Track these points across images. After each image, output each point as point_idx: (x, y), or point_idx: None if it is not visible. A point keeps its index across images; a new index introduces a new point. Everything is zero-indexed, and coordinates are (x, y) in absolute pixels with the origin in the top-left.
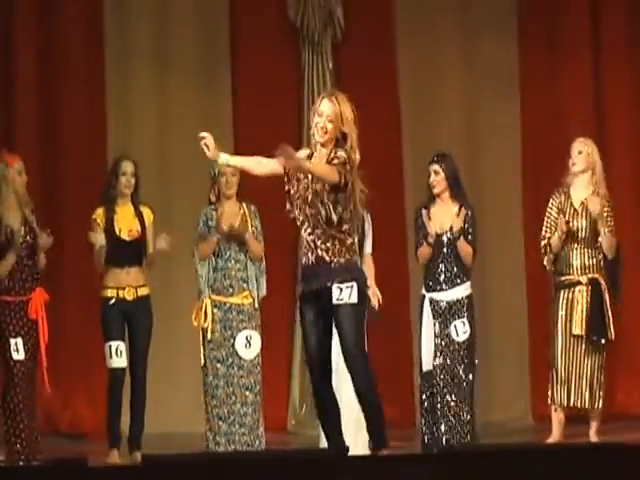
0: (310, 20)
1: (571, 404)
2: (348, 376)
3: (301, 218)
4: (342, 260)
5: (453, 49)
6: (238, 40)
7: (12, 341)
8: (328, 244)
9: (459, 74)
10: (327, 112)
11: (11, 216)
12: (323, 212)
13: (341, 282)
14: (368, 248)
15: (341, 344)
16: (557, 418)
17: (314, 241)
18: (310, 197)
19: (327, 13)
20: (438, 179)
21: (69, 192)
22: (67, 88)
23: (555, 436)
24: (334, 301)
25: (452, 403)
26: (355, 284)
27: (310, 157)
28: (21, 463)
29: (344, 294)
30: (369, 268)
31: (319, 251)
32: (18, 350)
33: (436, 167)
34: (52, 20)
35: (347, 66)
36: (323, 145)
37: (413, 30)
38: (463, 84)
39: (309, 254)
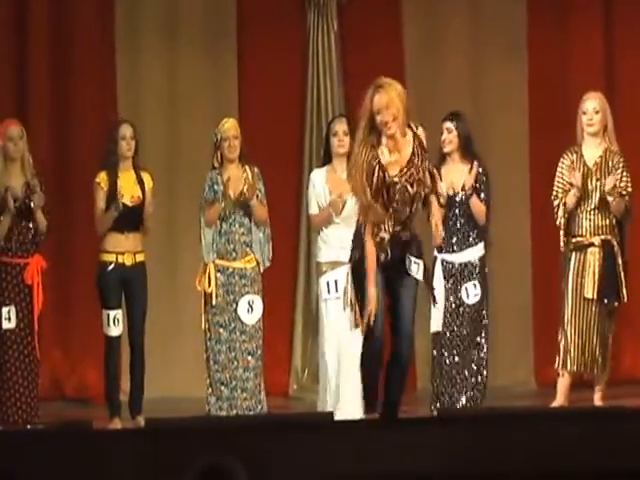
0: None
1: (580, 369)
2: (352, 341)
3: (394, 208)
4: (414, 232)
5: (461, 9)
6: (244, 1)
7: (4, 310)
8: (412, 220)
9: (466, 34)
10: (383, 105)
11: (11, 179)
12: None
13: (414, 255)
14: None
15: (399, 315)
16: (563, 383)
17: (402, 228)
18: (418, 174)
19: None
20: (450, 137)
21: (79, 157)
22: (77, 55)
23: (560, 400)
24: (411, 272)
25: (462, 366)
26: (422, 262)
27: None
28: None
29: (413, 268)
30: None
31: (408, 232)
32: (10, 319)
33: (449, 125)
34: None
35: (352, 28)
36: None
37: None
38: (470, 43)
39: (394, 248)
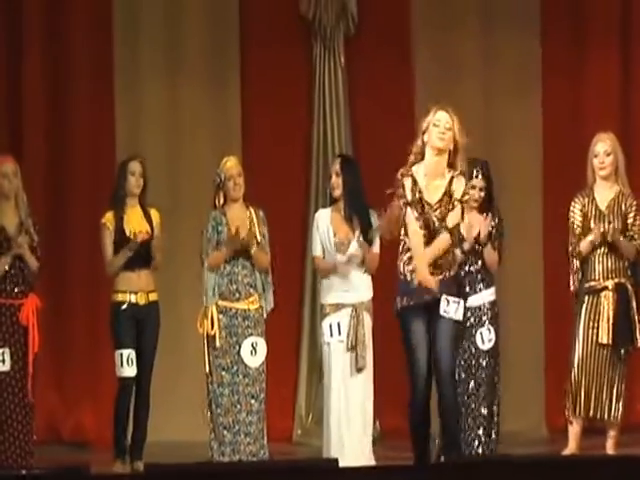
0: (322, 14)
1: (590, 415)
2: (356, 385)
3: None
4: (452, 273)
5: (472, 42)
6: (248, 33)
7: None
8: (445, 258)
9: (478, 67)
10: (445, 120)
11: (4, 218)
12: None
13: (449, 295)
14: (376, 248)
15: (436, 356)
16: (574, 429)
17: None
18: (441, 214)
19: (340, 6)
20: (477, 195)
21: (76, 194)
22: (75, 87)
23: (571, 448)
24: (441, 312)
25: (477, 413)
26: (462, 301)
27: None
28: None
29: (451, 308)
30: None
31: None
32: (4, 361)
33: (478, 182)
34: (60, 11)
35: (359, 61)
36: (440, 152)
37: (429, 23)
38: (482, 78)
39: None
